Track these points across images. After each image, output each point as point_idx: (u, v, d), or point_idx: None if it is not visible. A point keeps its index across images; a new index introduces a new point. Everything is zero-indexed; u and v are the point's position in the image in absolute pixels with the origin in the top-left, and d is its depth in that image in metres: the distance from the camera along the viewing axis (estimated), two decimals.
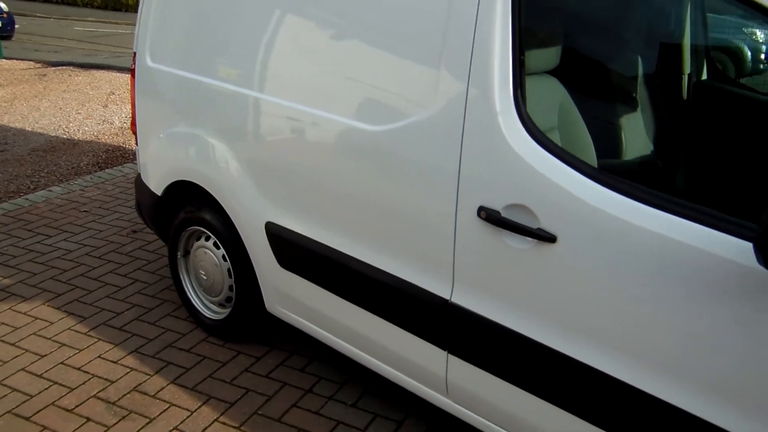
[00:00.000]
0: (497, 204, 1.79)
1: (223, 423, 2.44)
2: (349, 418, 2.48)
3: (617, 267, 1.61)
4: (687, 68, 2.91)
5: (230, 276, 2.80)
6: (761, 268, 1.37)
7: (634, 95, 2.72)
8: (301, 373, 2.74)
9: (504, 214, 1.78)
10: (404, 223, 2.04)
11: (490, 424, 2.02)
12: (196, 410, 2.51)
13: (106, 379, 2.67)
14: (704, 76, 3.00)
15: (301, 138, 2.32)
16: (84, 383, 2.64)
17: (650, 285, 1.57)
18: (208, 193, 2.73)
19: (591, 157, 2.16)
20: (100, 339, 2.94)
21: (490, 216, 1.80)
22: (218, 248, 2.83)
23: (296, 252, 2.42)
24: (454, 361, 2.01)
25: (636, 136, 2.60)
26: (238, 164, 2.55)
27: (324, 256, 2.30)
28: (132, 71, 3.02)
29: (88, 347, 2.88)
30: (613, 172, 2.32)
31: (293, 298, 2.52)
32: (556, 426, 1.83)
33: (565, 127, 2.16)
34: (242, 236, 2.62)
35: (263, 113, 2.44)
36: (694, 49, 2.92)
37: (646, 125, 2.66)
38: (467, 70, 1.82)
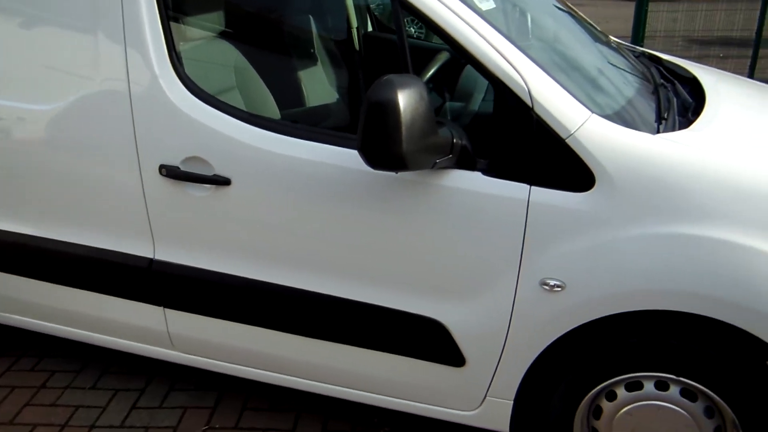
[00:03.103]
0: (175, 160, 1.94)
1: None
2: (89, 400, 2.48)
3: (283, 193, 1.87)
4: (354, 23, 3.31)
5: None
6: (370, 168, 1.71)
7: (312, 51, 3.04)
8: (31, 373, 2.64)
9: (183, 167, 1.93)
10: (96, 195, 2.08)
11: (214, 361, 2.20)
12: None
13: None
14: (369, 28, 3.44)
15: None
16: None
17: (308, 202, 1.86)
18: None
19: (272, 110, 2.40)
20: None
21: (170, 172, 1.94)
22: None
23: None
24: (171, 313, 2.14)
25: (318, 85, 2.92)
26: None
27: (21, 245, 2.24)
28: None
29: None
30: (297, 119, 2.59)
31: (1, 297, 2.41)
32: (269, 347, 2.08)
33: (244, 85, 2.37)
34: None
35: None
36: (357, 7, 3.33)
37: (327, 75, 3.00)
38: (122, 37, 1.91)
